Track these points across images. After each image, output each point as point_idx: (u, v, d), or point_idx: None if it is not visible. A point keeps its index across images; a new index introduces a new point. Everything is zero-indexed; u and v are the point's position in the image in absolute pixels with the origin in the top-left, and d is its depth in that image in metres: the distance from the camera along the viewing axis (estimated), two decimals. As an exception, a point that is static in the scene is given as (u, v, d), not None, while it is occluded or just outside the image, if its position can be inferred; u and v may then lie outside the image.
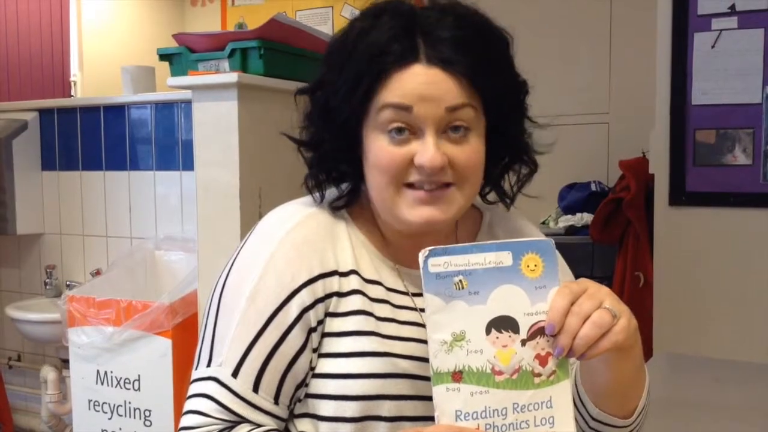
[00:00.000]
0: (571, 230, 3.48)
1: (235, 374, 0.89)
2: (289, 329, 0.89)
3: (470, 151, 0.91)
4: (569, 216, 3.56)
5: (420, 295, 0.95)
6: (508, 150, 0.98)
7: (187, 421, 0.90)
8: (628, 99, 3.68)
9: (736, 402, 1.42)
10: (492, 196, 1.03)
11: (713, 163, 2.54)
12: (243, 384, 0.89)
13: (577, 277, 0.93)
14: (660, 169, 2.63)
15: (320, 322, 0.90)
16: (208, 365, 0.91)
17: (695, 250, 2.59)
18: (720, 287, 2.55)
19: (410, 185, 0.90)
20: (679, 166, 2.59)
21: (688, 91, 2.55)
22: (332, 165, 0.96)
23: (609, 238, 3.09)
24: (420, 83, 0.87)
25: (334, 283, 0.91)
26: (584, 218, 3.46)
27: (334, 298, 0.91)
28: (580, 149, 3.81)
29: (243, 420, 0.89)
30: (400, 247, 0.98)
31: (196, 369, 0.93)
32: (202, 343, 0.94)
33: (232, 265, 0.95)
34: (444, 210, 0.91)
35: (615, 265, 3.09)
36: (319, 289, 0.91)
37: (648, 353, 2.35)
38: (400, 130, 0.88)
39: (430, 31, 0.88)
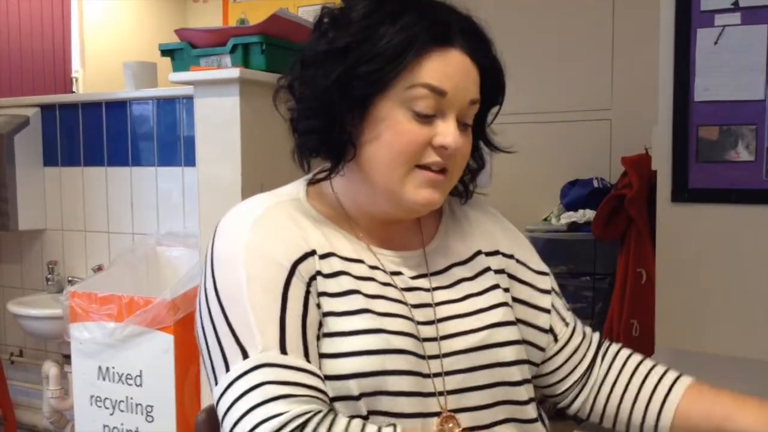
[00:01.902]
0: (573, 227, 3.48)
1: (283, 352, 0.85)
2: (306, 300, 0.89)
3: (468, 143, 0.96)
4: (571, 212, 3.56)
5: (397, 274, 0.97)
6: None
7: (264, 413, 0.81)
8: (631, 95, 3.67)
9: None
10: (459, 187, 1.05)
11: (716, 160, 2.53)
12: (296, 357, 0.85)
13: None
14: (662, 165, 2.62)
15: (320, 296, 0.91)
16: (245, 358, 0.84)
17: (697, 247, 2.59)
18: (722, 284, 2.55)
19: (421, 166, 0.91)
20: (682, 162, 2.58)
21: (691, 87, 2.54)
22: (332, 133, 0.93)
23: (611, 234, 3.08)
24: (457, 70, 0.90)
25: (315, 264, 0.91)
26: (586, 215, 3.46)
27: (319, 278, 0.91)
28: (582, 146, 3.81)
29: (314, 389, 0.84)
30: (371, 233, 0.99)
31: (219, 378, 0.86)
32: (220, 350, 0.87)
33: (212, 267, 0.92)
34: (441, 194, 0.94)
35: (617, 262, 3.09)
36: (310, 266, 0.91)
37: (650, 350, 2.34)
38: (428, 112, 0.90)
39: (456, 22, 0.92)
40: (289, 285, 0.88)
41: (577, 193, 3.59)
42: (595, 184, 3.58)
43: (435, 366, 0.93)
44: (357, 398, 0.87)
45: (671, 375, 1.04)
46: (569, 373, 1.07)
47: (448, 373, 0.94)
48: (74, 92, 4.39)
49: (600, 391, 1.06)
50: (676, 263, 2.62)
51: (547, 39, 3.78)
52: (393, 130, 0.90)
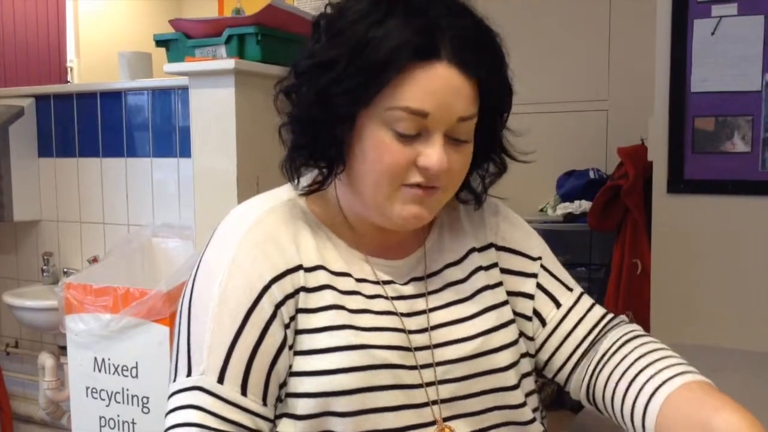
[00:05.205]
0: (569, 218, 3.48)
1: (220, 380, 0.87)
2: (266, 326, 0.88)
3: (465, 158, 0.90)
4: (567, 203, 3.56)
5: (390, 283, 0.95)
6: (482, 149, 0.95)
7: None
8: (627, 86, 3.67)
9: (734, 391, 1.42)
10: (465, 195, 1.01)
11: (712, 151, 2.53)
12: (231, 389, 0.86)
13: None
14: (658, 156, 2.62)
15: (292, 318, 0.89)
16: (188, 375, 0.88)
17: (693, 238, 2.59)
18: (718, 275, 2.55)
19: (408, 185, 0.87)
20: (678, 153, 2.58)
21: (688, 78, 2.54)
22: (320, 148, 0.90)
23: (607, 225, 3.09)
24: (441, 87, 0.83)
25: (300, 278, 0.90)
26: (582, 206, 3.46)
27: (302, 293, 0.90)
28: (578, 136, 3.80)
29: (238, 426, 0.87)
30: (369, 238, 0.96)
31: (174, 381, 0.90)
32: (177, 354, 0.91)
33: (197, 272, 0.93)
34: (431, 210, 0.90)
35: (613, 253, 3.09)
36: (288, 284, 0.89)
37: (645, 341, 2.34)
38: (410, 132, 0.85)
39: (449, 28, 0.84)
40: (253, 310, 0.88)
41: (573, 184, 3.59)
42: (592, 174, 3.59)
43: (428, 375, 0.92)
44: (344, 415, 0.87)
45: (662, 375, 0.91)
46: (569, 357, 1.01)
47: (441, 382, 0.92)
48: (69, 82, 4.37)
49: (597, 381, 0.98)
50: (671, 254, 2.63)
51: (543, 29, 3.77)
52: (376, 149, 0.86)
